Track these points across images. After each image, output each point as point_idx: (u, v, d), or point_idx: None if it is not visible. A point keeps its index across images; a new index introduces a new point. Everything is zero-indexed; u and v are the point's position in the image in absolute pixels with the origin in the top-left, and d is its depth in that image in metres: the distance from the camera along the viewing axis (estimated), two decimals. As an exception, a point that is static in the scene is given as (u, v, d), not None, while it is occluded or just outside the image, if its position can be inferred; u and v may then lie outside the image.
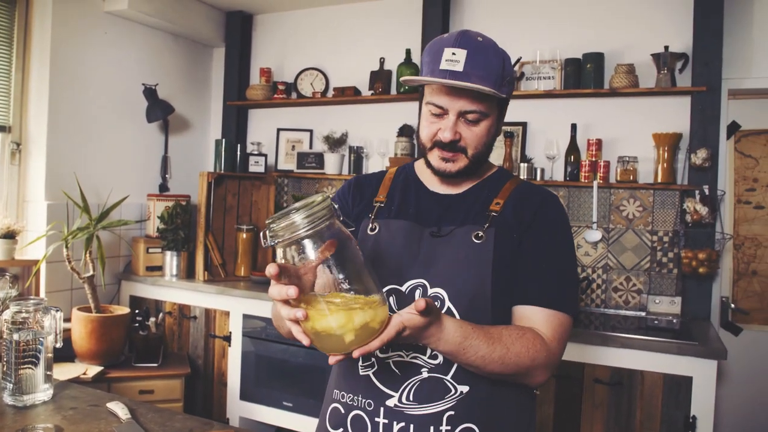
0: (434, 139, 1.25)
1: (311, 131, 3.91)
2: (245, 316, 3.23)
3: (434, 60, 1.20)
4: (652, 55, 2.98)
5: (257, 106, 4.05)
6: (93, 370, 2.91)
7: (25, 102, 3.19)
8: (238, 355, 3.25)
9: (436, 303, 1.16)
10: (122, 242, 3.60)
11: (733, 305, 3.08)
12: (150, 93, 3.61)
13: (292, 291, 0.95)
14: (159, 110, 3.62)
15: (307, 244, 0.97)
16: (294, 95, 3.89)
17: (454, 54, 1.18)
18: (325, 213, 0.96)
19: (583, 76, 3.11)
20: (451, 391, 1.20)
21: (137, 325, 3.18)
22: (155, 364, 3.13)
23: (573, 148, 3.14)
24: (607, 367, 2.52)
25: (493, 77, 1.18)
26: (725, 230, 2.95)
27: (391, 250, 1.28)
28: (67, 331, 3.04)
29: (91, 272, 3.01)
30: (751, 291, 3.09)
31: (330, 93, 3.81)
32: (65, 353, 3.01)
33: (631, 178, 3.00)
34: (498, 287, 1.22)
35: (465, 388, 1.20)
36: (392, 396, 1.21)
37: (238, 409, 3.25)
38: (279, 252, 0.99)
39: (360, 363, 1.27)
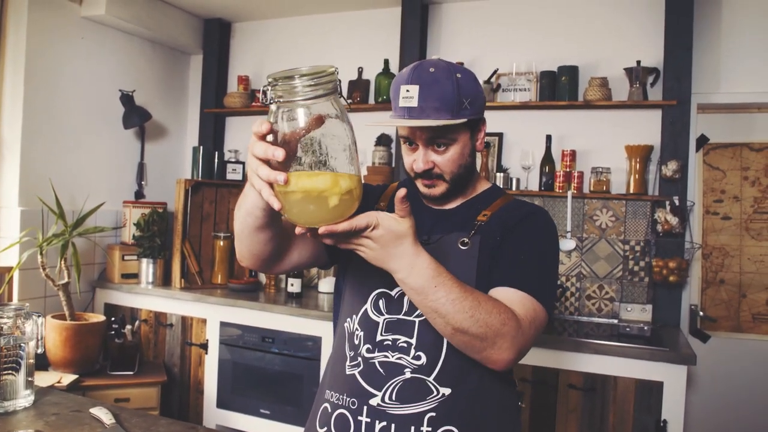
0: (413, 170, 1.32)
1: (289, 139, 3.91)
2: (222, 324, 3.22)
3: (395, 98, 1.27)
4: (624, 69, 3.07)
5: (235, 114, 4.05)
6: (67, 378, 2.87)
7: (-2, 107, 3.15)
8: (214, 363, 3.24)
9: None
10: (97, 249, 3.56)
11: (701, 313, 3.17)
12: (127, 99, 3.59)
13: (279, 153, 0.93)
14: (136, 117, 3.60)
15: (302, 112, 0.94)
16: (272, 103, 3.90)
17: (408, 91, 1.23)
18: (330, 86, 0.94)
19: (558, 88, 3.19)
20: (433, 392, 1.22)
21: (113, 332, 3.15)
22: (131, 372, 3.10)
23: (548, 159, 3.21)
24: (581, 373, 2.57)
25: (448, 105, 1.23)
26: (694, 240, 3.04)
27: None
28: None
29: (66, 279, 2.97)
30: (719, 299, 3.18)
31: (308, 101, 3.82)
32: (39, 361, 2.94)
33: (604, 188, 3.08)
34: (482, 291, 1.25)
35: (447, 391, 1.23)
36: (375, 395, 1.24)
37: (214, 417, 3.23)
38: (272, 111, 0.96)
39: (347, 363, 1.30)
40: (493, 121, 3.36)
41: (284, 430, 3.04)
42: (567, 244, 3.16)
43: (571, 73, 3.16)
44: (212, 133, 4.07)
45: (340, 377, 1.31)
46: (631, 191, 3.03)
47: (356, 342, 1.30)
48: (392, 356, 1.25)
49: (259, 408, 3.12)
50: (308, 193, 0.94)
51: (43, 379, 2.81)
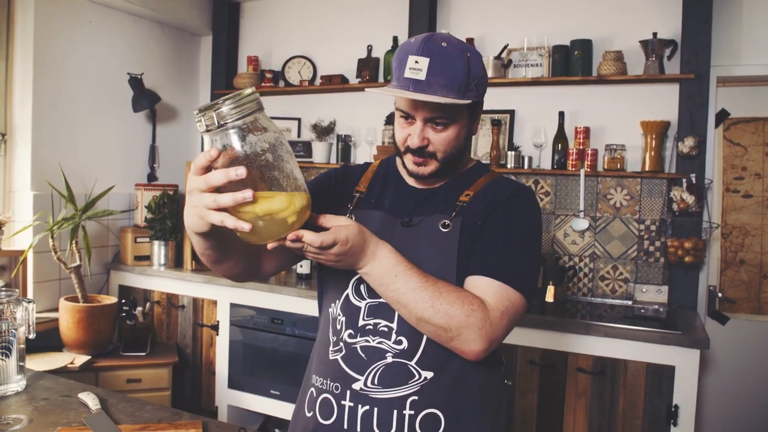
0: (405, 144, 1.27)
1: (299, 120, 3.89)
2: (232, 305, 3.23)
3: (399, 67, 1.22)
4: (640, 41, 2.95)
5: (246, 95, 4.02)
6: (80, 359, 2.92)
7: (9, 92, 3.17)
8: (225, 344, 3.26)
9: None
10: (110, 232, 3.60)
11: (720, 294, 3.07)
12: (135, 82, 3.59)
13: (241, 170, 0.93)
14: (145, 100, 3.59)
15: (235, 133, 0.95)
16: (281, 83, 3.87)
17: (416, 62, 1.18)
18: (252, 106, 0.95)
19: (571, 63, 3.09)
20: (415, 376, 1.22)
21: (124, 314, 3.19)
22: (143, 353, 3.14)
23: (560, 136, 3.12)
24: (590, 356, 2.52)
25: (457, 84, 1.19)
26: (713, 219, 2.94)
27: None
28: (54, 321, 3.05)
29: (78, 262, 3.01)
30: (739, 280, 3.07)
31: (317, 81, 3.79)
32: (53, 342, 3.03)
33: (619, 166, 2.98)
34: (463, 276, 1.23)
35: (429, 374, 1.22)
36: (358, 380, 1.24)
37: (226, 397, 3.27)
38: (207, 142, 0.97)
39: (330, 348, 1.30)
40: (505, 98, 3.29)
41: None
42: (580, 223, 3.09)
43: (584, 47, 3.05)
44: (223, 115, 4.05)
45: (324, 362, 1.31)
46: (647, 169, 2.93)
47: (338, 327, 1.29)
48: (373, 341, 1.24)
49: (269, 389, 3.14)
50: (271, 214, 0.97)
51: (57, 360, 2.87)
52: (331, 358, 1.29)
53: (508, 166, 3.16)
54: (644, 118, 2.95)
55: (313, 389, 1.33)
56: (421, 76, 1.17)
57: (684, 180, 2.84)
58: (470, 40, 3.29)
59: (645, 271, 3.04)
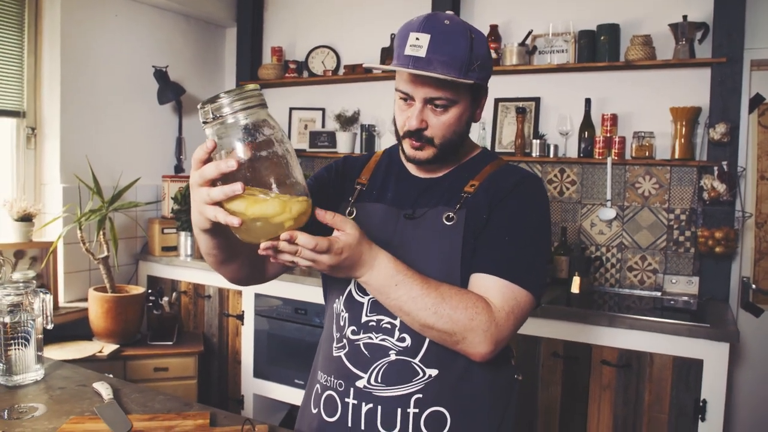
0: (405, 127, 1.23)
1: (323, 110, 3.89)
2: (257, 295, 3.26)
3: (400, 45, 1.18)
4: (669, 25, 2.86)
5: (269, 86, 4.03)
6: (109, 348, 2.98)
7: (38, 86, 3.23)
8: (250, 334, 3.29)
9: None
10: (138, 224, 3.66)
11: (754, 286, 2.97)
12: (160, 75, 3.62)
13: (232, 162, 0.92)
14: (170, 92, 3.63)
15: (235, 129, 0.95)
16: (305, 74, 3.86)
17: (417, 39, 1.15)
18: (255, 100, 0.95)
19: (598, 48, 3.01)
20: (419, 374, 1.20)
21: (151, 304, 3.24)
22: (170, 343, 3.19)
23: (587, 124, 3.05)
24: (615, 349, 2.46)
25: (458, 63, 1.15)
26: (746, 208, 2.84)
27: (366, 234, 1.28)
28: (84, 311, 3.12)
29: (106, 253, 3.07)
30: (774, 271, 2.97)
31: (341, 71, 3.77)
32: (83, 332, 3.10)
33: (647, 154, 2.90)
34: (467, 270, 1.21)
35: (434, 372, 1.20)
36: (362, 377, 1.23)
37: (251, 386, 3.30)
38: (209, 135, 0.97)
39: (334, 344, 1.29)
40: (529, 86, 3.23)
41: (317, 400, 3.07)
42: (607, 213, 3.02)
43: (611, 31, 2.97)
44: (248, 106, 4.07)
45: (329, 358, 1.30)
46: (677, 156, 2.84)
47: (342, 323, 1.28)
48: (376, 338, 1.23)
49: (294, 378, 3.16)
50: (265, 217, 0.95)
51: (86, 348, 2.94)
52: (334, 354, 1.28)
53: (534, 154, 3.11)
54: (674, 104, 2.86)
55: (318, 385, 1.32)
56: (421, 53, 1.14)
57: (715, 168, 2.75)
58: (494, 27, 3.23)
59: (675, 262, 2.95)
